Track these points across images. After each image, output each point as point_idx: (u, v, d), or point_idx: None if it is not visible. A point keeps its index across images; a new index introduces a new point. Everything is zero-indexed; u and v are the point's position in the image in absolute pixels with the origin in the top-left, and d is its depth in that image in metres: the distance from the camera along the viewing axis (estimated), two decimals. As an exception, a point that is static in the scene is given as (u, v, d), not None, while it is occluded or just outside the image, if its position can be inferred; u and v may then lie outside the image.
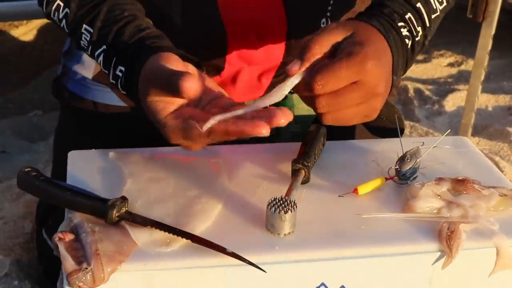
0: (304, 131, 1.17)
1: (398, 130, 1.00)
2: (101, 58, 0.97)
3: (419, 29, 0.95)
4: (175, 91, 0.79)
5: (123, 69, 0.93)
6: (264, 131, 0.76)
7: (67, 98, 1.30)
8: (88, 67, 1.26)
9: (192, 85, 0.78)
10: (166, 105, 0.84)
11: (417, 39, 0.95)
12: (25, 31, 3.00)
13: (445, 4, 1.01)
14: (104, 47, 0.96)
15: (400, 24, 0.93)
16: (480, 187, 0.90)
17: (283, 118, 0.77)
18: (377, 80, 0.85)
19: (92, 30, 0.97)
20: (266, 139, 1.15)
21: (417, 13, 0.96)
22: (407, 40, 0.94)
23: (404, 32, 0.93)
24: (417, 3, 0.96)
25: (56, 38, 2.88)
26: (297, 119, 1.17)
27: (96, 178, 0.92)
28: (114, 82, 0.96)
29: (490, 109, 2.54)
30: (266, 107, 0.81)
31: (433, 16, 0.98)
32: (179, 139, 0.83)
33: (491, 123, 2.40)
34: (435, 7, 0.99)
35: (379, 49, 0.88)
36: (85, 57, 1.26)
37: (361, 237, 0.83)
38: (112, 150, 0.99)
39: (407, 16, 0.94)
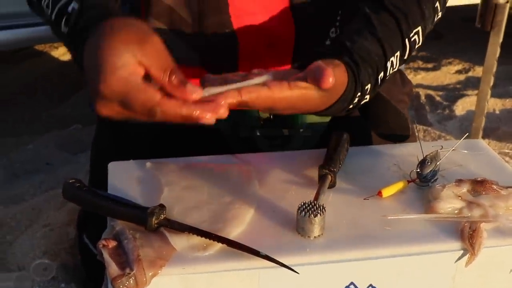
0: (315, 136, 1.15)
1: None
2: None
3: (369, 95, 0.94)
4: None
5: (75, 6, 0.84)
6: (208, 116, 0.74)
7: None
8: None
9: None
10: (128, 66, 0.72)
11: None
12: (64, 52, 3.01)
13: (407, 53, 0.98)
14: None
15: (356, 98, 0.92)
16: (498, 187, 0.88)
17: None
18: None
19: None
20: (279, 146, 1.14)
21: (376, 83, 0.94)
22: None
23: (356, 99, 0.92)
24: (379, 73, 0.94)
25: (93, 57, 2.89)
26: (309, 125, 1.15)
27: (135, 187, 0.91)
28: (55, 18, 0.87)
29: (497, 112, 2.50)
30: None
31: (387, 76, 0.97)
32: (113, 105, 0.74)
33: (499, 126, 2.36)
34: (394, 69, 0.97)
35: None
36: None
37: (387, 237, 0.80)
38: (149, 160, 0.97)
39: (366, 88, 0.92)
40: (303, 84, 0.83)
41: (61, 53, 3.01)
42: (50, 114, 2.47)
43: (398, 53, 0.96)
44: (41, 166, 2.06)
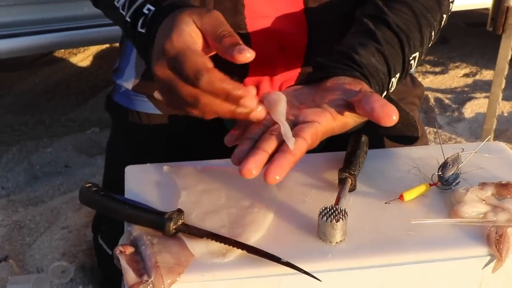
0: (329, 140, 1.10)
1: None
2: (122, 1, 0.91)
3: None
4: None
5: (152, 8, 0.87)
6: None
7: (115, 110, 1.26)
8: (128, 80, 1.22)
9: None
10: (191, 32, 0.77)
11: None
12: (83, 58, 2.97)
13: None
14: None
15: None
16: (523, 191, 0.82)
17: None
18: None
19: None
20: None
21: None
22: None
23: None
24: (383, 93, 0.89)
25: (109, 63, 2.86)
26: None
27: (152, 192, 0.86)
28: (131, 19, 0.89)
29: (506, 114, 2.44)
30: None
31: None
32: (166, 66, 0.76)
33: (509, 128, 2.29)
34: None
35: None
36: (127, 71, 1.22)
37: (411, 243, 0.74)
38: (166, 164, 0.92)
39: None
40: (345, 112, 0.79)
41: (80, 59, 2.97)
42: (69, 118, 2.43)
43: (398, 75, 0.91)
44: (60, 168, 2.02)
